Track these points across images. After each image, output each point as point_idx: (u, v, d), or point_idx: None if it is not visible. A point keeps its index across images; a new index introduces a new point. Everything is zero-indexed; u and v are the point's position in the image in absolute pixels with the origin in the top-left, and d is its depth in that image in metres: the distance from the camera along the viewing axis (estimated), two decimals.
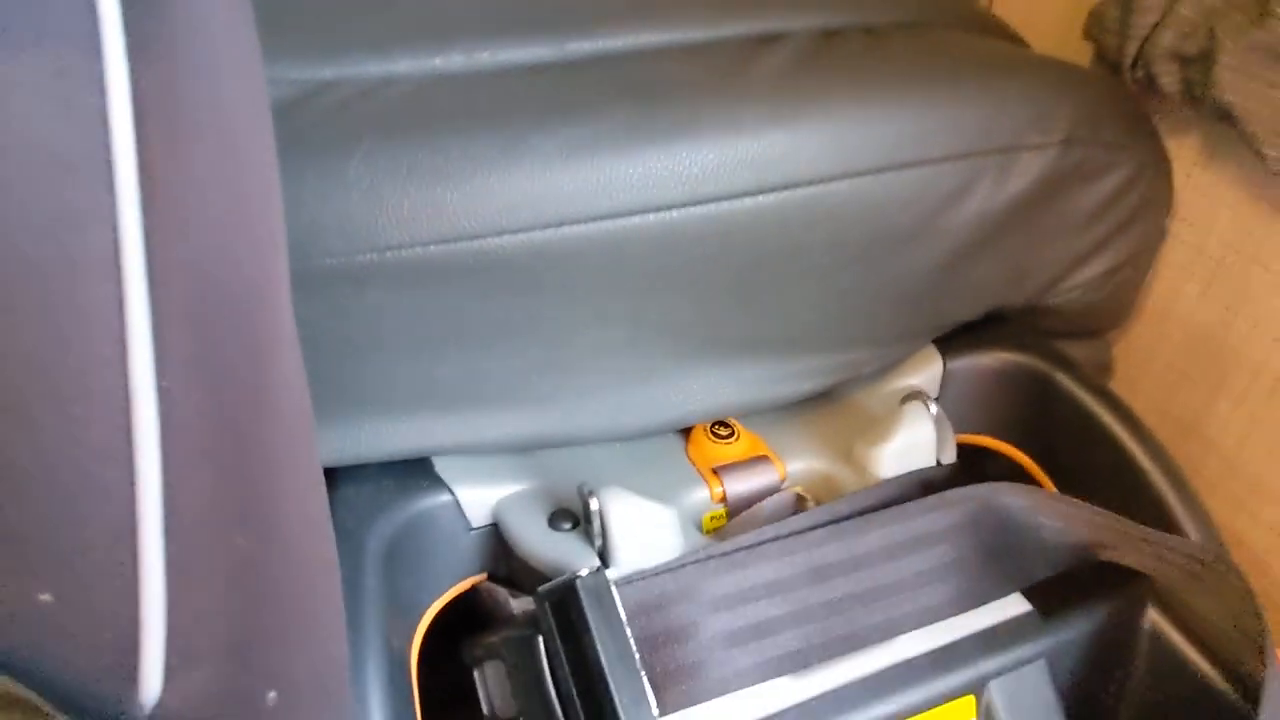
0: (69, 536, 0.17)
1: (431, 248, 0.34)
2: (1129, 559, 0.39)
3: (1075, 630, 0.40)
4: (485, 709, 0.38)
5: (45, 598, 0.17)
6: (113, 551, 0.17)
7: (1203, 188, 0.47)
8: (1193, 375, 0.50)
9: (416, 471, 0.39)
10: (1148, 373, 0.52)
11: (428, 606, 0.39)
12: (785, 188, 0.37)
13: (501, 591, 0.40)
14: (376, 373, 0.36)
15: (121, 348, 0.17)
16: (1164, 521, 0.41)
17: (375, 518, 0.36)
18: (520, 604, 0.39)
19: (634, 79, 0.39)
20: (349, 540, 0.35)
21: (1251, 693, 0.37)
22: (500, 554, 0.40)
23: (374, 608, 0.34)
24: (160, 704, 0.18)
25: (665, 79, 0.38)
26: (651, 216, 0.36)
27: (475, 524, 0.39)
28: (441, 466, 0.39)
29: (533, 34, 0.40)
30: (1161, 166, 0.46)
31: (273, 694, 0.21)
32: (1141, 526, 0.38)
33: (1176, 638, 0.40)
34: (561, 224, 0.35)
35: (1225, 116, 0.41)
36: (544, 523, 0.38)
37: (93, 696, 0.17)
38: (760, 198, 0.37)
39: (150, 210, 0.17)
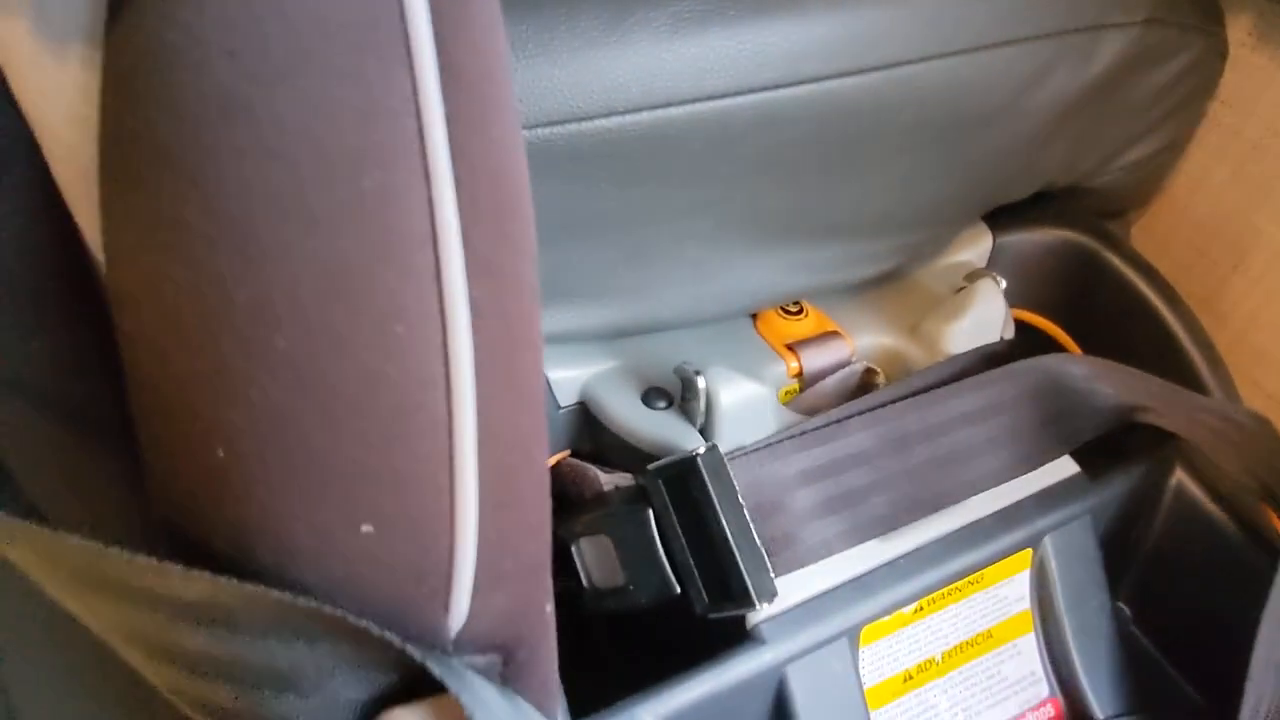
0: (390, 467, 0.16)
1: (537, 130, 0.32)
2: (1165, 421, 0.42)
3: (1116, 489, 0.43)
4: (585, 582, 0.39)
5: (367, 529, 0.16)
6: (433, 479, 0.16)
7: (1250, 70, 0.48)
8: (1212, 254, 0.52)
9: None
10: (1167, 249, 0.55)
11: None
12: (883, 67, 0.36)
13: (591, 468, 0.40)
14: None
15: (434, 256, 0.15)
16: (1195, 389, 0.45)
17: None
18: (611, 479, 0.40)
19: None
20: None
21: (1266, 545, 0.42)
22: (585, 432, 0.41)
23: None
24: (466, 627, 0.18)
25: None
26: (756, 96, 0.35)
27: (564, 403, 0.40)
28: None
29: None
30: (1222, 50, 0.47)
31: (549, 606, 0.21)
32: (1190, 392, 0.41)
33: (1199, 495, 0.44)
34: (669, 104, 0.33)
35: None
36: (638, 401, 0.39)
37: (401, 622, 0.17)
38: (859, 77, 0.36)
39: (451, 95, 0.15)
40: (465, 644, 0.18)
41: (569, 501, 0.41)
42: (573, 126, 0.32)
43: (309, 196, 0.14)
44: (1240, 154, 0.50)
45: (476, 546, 0.17)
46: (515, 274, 0.18)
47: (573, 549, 0.39)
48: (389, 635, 0.16)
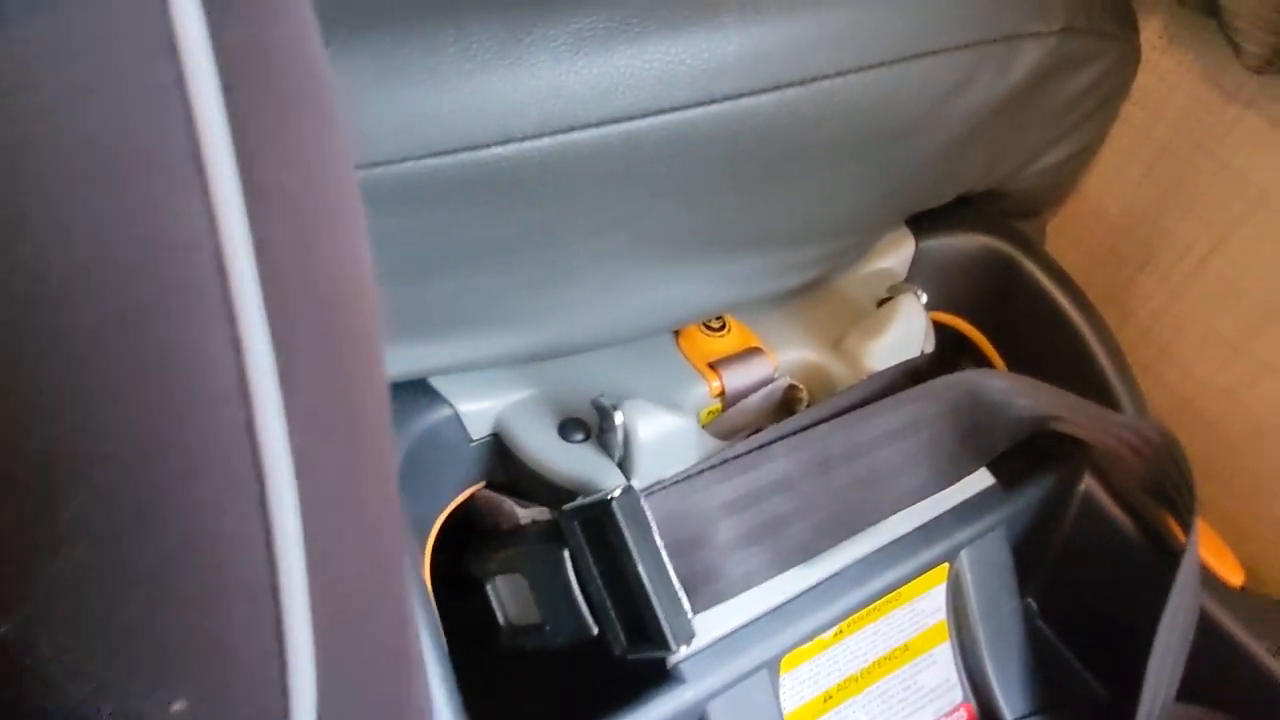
0: (205, 637, 0.14)
1: (425, 161, 0.29)
2: (1077, 430, 0.43)
3: (1029, 497, 0.44)
4: (500, 619, 0.38)
5: (178, 706, 0.14)
6: (257, 647, 0.14)
7: (1160, 73, 0.48)
8: (1121, 251, 0.53)
9: (414, 391, 0.36)
10: (1080, 246, 0.55)
11: (433, 523, 0.37)
12: (799, 83, 0.35)
13: (506, 501, 0.39)
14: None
15: (244, 409, 0.13)
16: (1106, 398, 0.46)
17: (397, 433, 0.34)
18: (528, 513, 0.38)
19: None
20: None
21: (1167, 551, 0.43)
22: (500, 463, 0.39)
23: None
24: None
25: None
26: (665, 117, 0.33)
27: (475, 436, 0.38)
28: (437, 381, 0.37)
29: None
30: (1135, 55, 0.46)
31: None
32: (1101, 407, 0.42)
33: (1106, 500, 0.45)
34: (571, 129, 0.31)
35: (1209, 8, 0.41)
36: (554, 433, 0.37)
37: None
38: (774, 94, 0.34)
39: (261, 218, 0.13)
40: None
41: (485, 534, 0.40)
42: (466, 155, 0.30)
43: (87, 352, 0.12)
44: (1150, 154, 0.50)
45: (317, 710, 0.16)
46: (351, 411, 0.16)
47: (488, 586, 0.38)
48: None
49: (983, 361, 0.51)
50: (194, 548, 0.13)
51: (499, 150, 0.30)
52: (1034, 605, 0.50)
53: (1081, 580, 0.47)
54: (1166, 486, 0.42)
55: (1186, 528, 0.40)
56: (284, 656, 0.15)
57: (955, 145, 0.42)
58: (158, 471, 0.13)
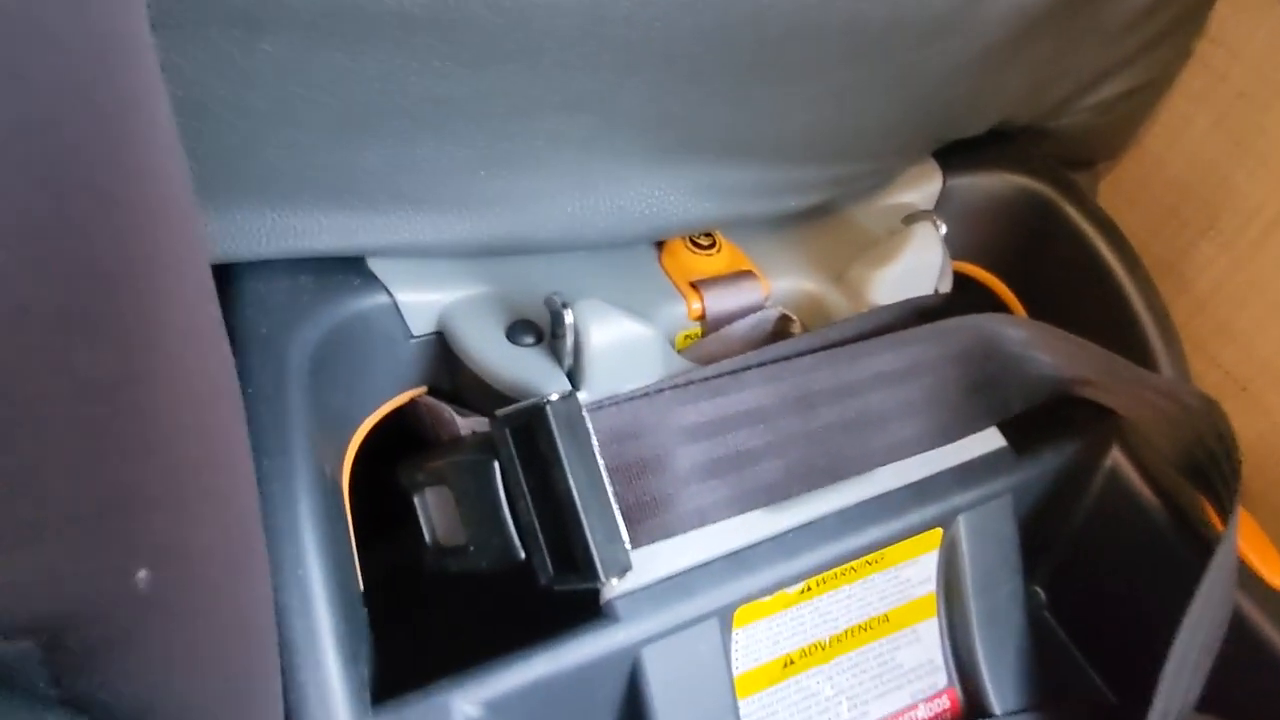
0: None
1: None
2: (1106, 398, 0.38)
3: (1044, 467, 0.39)
4: (427, 537, 0.34)
5: None
6: None
7: (1246, 5, 0.42)
8: (1182, 213, 0.47)
9: (347, 269, 0.32)
10: (1136, 205, 0.49)
11: (359, 424, 0.34)
12: None
13: (446, 408, 0.35)
14: (280, 153, 0.28)
15: None
16: (1145, 365, 0.40)
17: (299, 323, 0.30)
18: (468, 423, 0.34)
19: None
20: (266, 349, 0.29)
21: (1199, 539, 0.38)
22: (444, 366, 0.35)
23: (300, 427, 0.29)
24: None
25: None
26: None
27: (416, 332, 0.34)
28: (377, 263, 0.33)
29: None
30: None
31: (143, 572, 0.16)
32: (1135, 366, 0.37)
33: (1135, 478, 0.40)
34: None
35: None
36: (501, 334, 0.33)
37: None
38: None
39: None
40: None
41: (423, 445, 0.36)
42: None
43: None
44: (1224, 101, 0.44)
45: None
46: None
47: (415, 500, 0.34)
48: None
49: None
50: None
51: None
52: (1041, 594, 0.45)
53: (1098, 568, 0.41)
54: (1206, 466, 0.37)
55: (1225, 515, 0.35)
56: None
57: (992, 55, 0.36)
58: None
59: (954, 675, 0.38)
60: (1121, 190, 0.50)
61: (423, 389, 0.36)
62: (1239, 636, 0.36)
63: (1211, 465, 0.36)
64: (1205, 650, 0.35)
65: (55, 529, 0.13)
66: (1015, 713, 0.38)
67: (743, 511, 0.32)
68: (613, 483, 0.30)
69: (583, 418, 0.29)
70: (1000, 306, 0.46)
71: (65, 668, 0.14)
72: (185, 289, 0.16)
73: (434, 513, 0.34)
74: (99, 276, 0.13)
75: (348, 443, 0.33)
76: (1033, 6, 0.35)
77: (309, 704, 0.25)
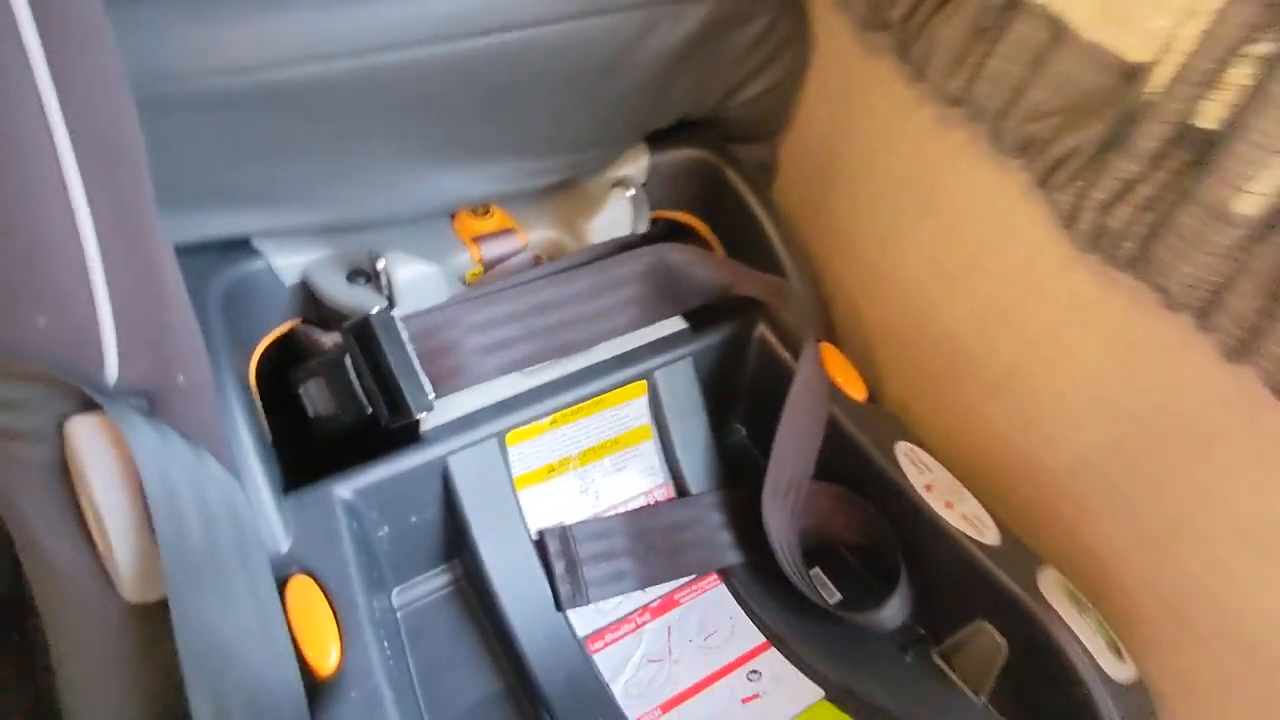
0: (46, 279, 0.29)
1: (216, 79, 0.43)
2: (746, 290, 0.60)
3: (712, 339, 0.61)
4: (310, 412, 0.53)
5: (42, 320, 0.30)
6: (79, 285, 0.30)
7: (831, 28, 0.64)
8: (823, 172, 0.70)
9: (239, 246, 0.51)
10: (794, 167, 0.72)
11: (259, 341, 0.53)
12: (505, 30, 0.50)
13: (316, 331, 0.54)
14: (191, 177, 0.46)
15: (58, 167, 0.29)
16: (779, 272, 0.63)
17: (212, 278, 0.49)
18: (329, 338, 0.54)
19: None
20: (196, 294, 0.48)
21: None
22: (310, 304, 0.54)
23: (223, 347, 0.48)
24: (119, 381, 0.32)
25: None
26: (404, 52, 0.47)
27: (288, 282, 0.53)
28: (258, 241, 0.52)
29: None
30: (798, 19, 0.62)
31: (181, 376, 0.35)
32: (757, 272, 0.59)
33: (775, 343, 0.62)
34: (329, 58, 0.46)
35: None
36: (344, 279, 0.52)
37: (76, 374, 0.31)
38: (487, 38, 0.49)
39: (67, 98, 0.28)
40: (120, 391, 0.32)
41: (304, 357, 0.55)
42: (246, 77, 0.44)
43: None
44: (833, 96, 0.66)
45: (115, 327, 0.31)
46: (126, 188, 0.31)
47: (300, 391, 0.53)
48: (70, 380, 0.30)
49: (705, 247, 0.68)
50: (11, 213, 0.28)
51: (273, 74, 0.44)
52: (741, 429, 0.68)
53: (766, 406, 0.64)
54: (803, 325, 0.60)
55: (801, 353, 0.58)
56: (93, 294, 0.30)
57: (653, 82, 0.57)
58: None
59: (667, 474, 0.61)
60: (788, 155, 0.73)
61: (299, 320, 0.55)
62: (837, 433, 0.58)
63: (807, 324, 0.59)
64: (807, 438, 0.58)
65: (149, 350, 0.32)
66: (704, 492, 0.61)
67: (506, 373, 0.53)
68: (421, 361, 0.50)
69: (394, 321, 0.49)
70: (701, 241, 0.68)
71: (155, 411, 0.34)
72: (161, 240, 0.35)
73: (314, 396, 0.53)
74: (143, 229, 0.33)
75: (252, 351, 0.52)
76: (670, 50, 0.56)
77: (250, 489, 0.45)
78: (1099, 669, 0.47)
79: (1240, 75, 0.36)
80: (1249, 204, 0.36)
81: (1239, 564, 0.47)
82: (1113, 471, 0.52)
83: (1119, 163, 0.42)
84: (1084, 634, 0.48)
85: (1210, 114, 0.38)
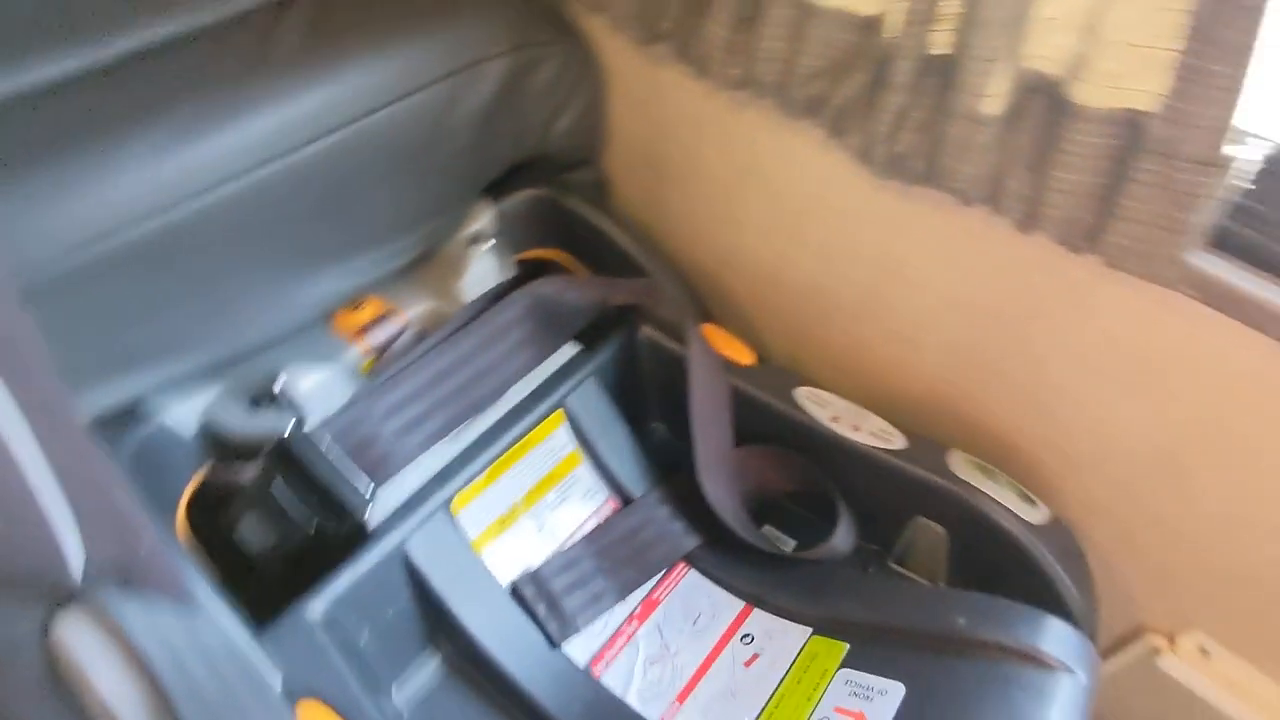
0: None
1: (75, 255, 0.44)
2: (621, 300, 0.64)
3: (606, 352, 0.65)
4: (253, 551, 0.53)
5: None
6: (22, 486, 0.30)
7: (617, 50, 0.70)
8: (654, 175, 0.75)
9: (130, 412, 0.50)
10: (627, 177, 0.77)
11: (177, 503, 0.52)
12: (328, 133, 0.52)
13: (228, 468, 0.54)
14: (76, 354, 0.46)
15: None
16: (638, 272, 0.67)
17: (114, 451, 0.48)
18: (245, 472, 0.54)
19: (174, 76, 0.49)
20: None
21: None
22: (216, 445, 0.54)
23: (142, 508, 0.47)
24: (86, 570, 0.32)
25: (202, 71, 0.50)
26: (243, 179, 0.49)
27: (188, 435, 0.53)
28: (149, 402, 0.51)
29: (59, 48, 0.48)
30: (585, 51, 0.67)
31: (143, 546, 0.35)
32: (625, 280, 0.63)
33: (661, 338, 0.67)
34: (175, 204, 0.47)
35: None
36: (244, 410, 0.53)
37: (48, 577, 0.31)
38: (314, 145, 0.52)
39: None
40: (92, 575, 0.33)
41: (226, 497, 0.55)
42: (100, 245, 0.44)
43: None
44: (640, 105, 0.72)
45: (76, 520, 0.32)
46: (48, 396, 0.32)
47: (234, 538, 0.53)
48: (43, 577, 0.31)
49: (573, 273, 0.72)
50: None
51: (126, 233, 0.45)
52: (664, 428, 0.72)
53: (675, 398, 0.69)
54: (681, 315, 0.65)
55: (686, 338, 0.62)
56: (42, 510, 0.30)
57: (473, 142, 0.61)
58: None
59: (608, 489, 0.64)
60: (619, 166, 0.78)
61: (209, 463, 0.55)
62: (742, 399, 0.63)
63: (684, 313, 0.64)
64: (718, 413, 0.63)
65: (112, 540, 0.33)
66: (646, 493, 0.64)
67: (431, 446, 0.55)
68: (352, 456, 0.51)
69: (307, 434, 0.50)
70: (567, 270, 0.72)
71: (131, 581, 0.34)
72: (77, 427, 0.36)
73: (252, 536, 0.53)
74: (69, 427, 0.33)
75: (174, 514, 0.51)
76: (479, 110, 0.60)
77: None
78: (1018, 518, 0.54)
79: (953, 6, 0.43)
80: (991, 105, 0.44)
81: (1088, 393, 0.55)
82: (974, 351, 0.60)
83: (887, 98, 0.50)
84: (998, 494, 0.55)
85: (940, 42, 0.45)
